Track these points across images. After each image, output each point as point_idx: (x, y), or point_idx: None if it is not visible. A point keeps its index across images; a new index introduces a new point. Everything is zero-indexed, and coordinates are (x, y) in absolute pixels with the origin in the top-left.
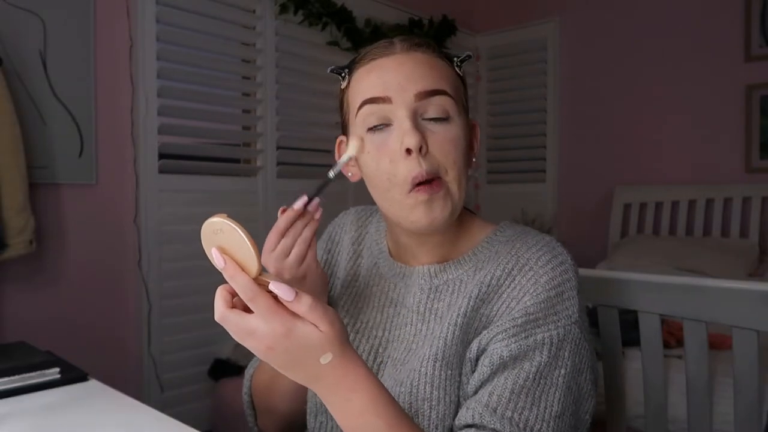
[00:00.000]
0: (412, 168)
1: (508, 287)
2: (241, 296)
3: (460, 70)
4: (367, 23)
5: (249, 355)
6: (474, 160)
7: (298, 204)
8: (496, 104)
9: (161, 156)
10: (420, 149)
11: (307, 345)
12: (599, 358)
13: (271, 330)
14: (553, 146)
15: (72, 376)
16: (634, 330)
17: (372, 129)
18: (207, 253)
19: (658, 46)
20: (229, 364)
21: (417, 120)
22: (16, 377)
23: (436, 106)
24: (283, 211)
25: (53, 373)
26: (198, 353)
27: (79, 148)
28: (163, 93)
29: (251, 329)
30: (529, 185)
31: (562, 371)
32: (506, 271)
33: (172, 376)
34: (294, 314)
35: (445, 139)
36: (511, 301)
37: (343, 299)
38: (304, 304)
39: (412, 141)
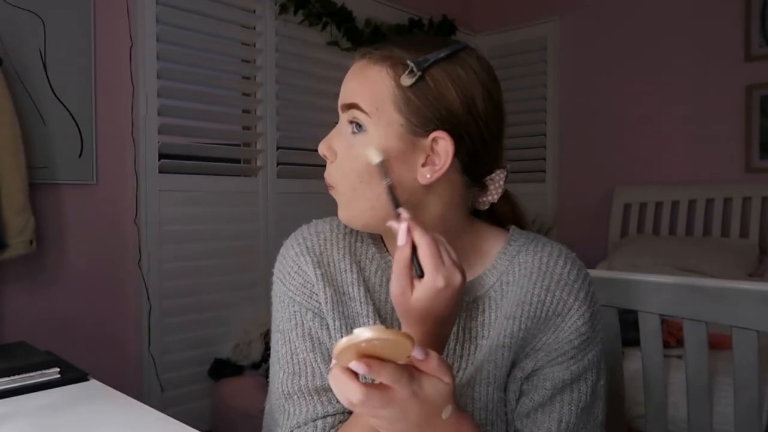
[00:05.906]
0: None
1: (551, 304)
2: (386, 381)
3: (411, 77)
4: (367, 23)
5: (248, 356)
6: (428, 176)
7: (404, 217)
8: None
9: (161, 156)
10: (325, 156)
11: (436, 400)
12: None
13: (407, 393)
14: (553, 146)
15: (72, 376)
16: (634, 330)
17: None
18: (338, 362)
19: (658, 46)
20: (229, 364)
21: (341, 130)
22: (16, 377)
23: (351, 119)
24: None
25: (53, 373)
26: (198, 353)
27: (79, 148)
28: (163, 93)
29: (390, 399)
30: (529, 185)
31: (602, 382)
32: (544, 287)
33: (172, 376)
34: (419, 371)
35: (343, 152)
36: (561, 320)
37: (361, 319)
38: (433, 359)
39: (320, 148)
